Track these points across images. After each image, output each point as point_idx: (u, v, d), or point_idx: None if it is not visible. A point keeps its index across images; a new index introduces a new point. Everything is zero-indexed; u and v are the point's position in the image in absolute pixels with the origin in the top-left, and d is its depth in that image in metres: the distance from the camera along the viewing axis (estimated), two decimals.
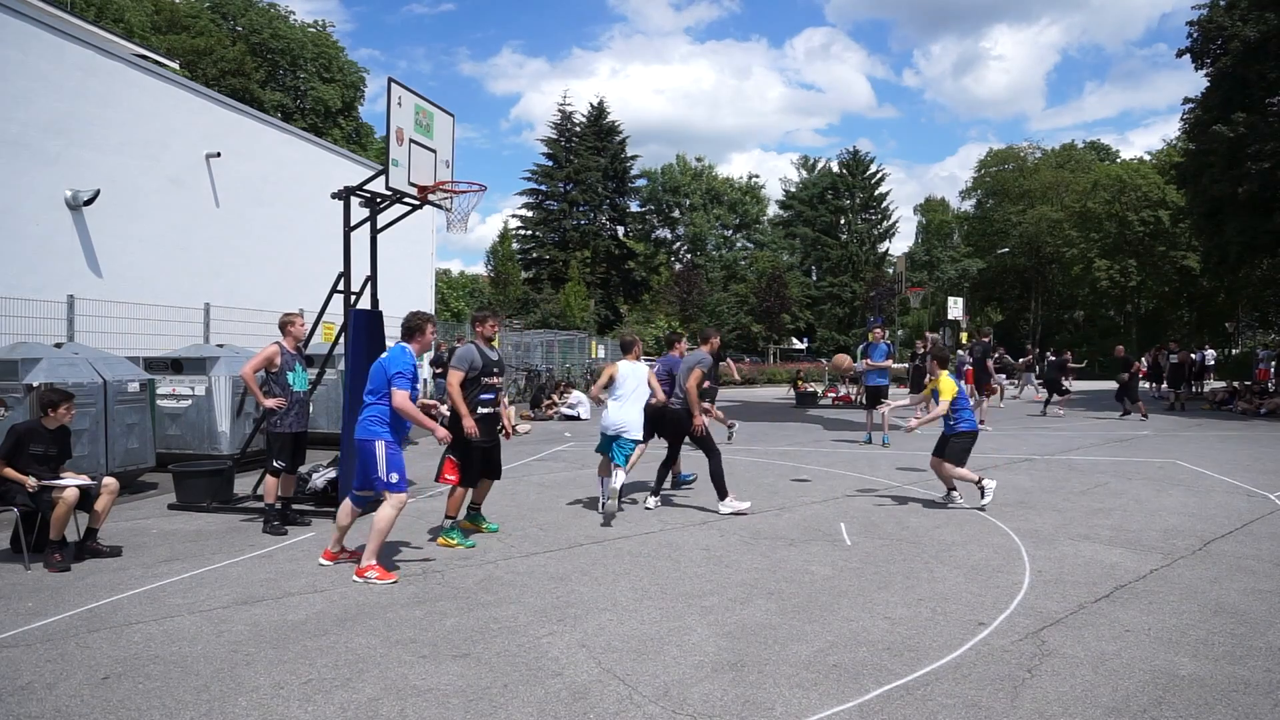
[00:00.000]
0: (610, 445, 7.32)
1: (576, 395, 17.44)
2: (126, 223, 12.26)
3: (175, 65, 19.91)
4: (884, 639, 4.27)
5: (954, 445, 7.66)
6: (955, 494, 7.88)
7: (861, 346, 15.86)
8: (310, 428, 7.33)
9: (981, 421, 14.69)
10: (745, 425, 15.68)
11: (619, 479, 7.04)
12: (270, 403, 6.77)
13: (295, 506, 7.17)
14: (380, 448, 5.31)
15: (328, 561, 5.61)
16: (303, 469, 7.41)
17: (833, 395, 22.15)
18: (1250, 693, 3.63)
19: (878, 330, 13.53)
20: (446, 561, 5.78)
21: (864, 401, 14.22)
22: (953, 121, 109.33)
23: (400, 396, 5.23)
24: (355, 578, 5.21)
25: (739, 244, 59.13)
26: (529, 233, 51.94)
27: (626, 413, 7.30)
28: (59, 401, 5.95)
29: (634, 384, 7.38)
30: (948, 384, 7.61)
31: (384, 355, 5.55)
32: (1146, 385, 21.57)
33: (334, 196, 7.77)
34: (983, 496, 7.55)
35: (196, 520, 7.17)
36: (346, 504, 5.66)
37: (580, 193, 50.84)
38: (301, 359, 7.11)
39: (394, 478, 5.31)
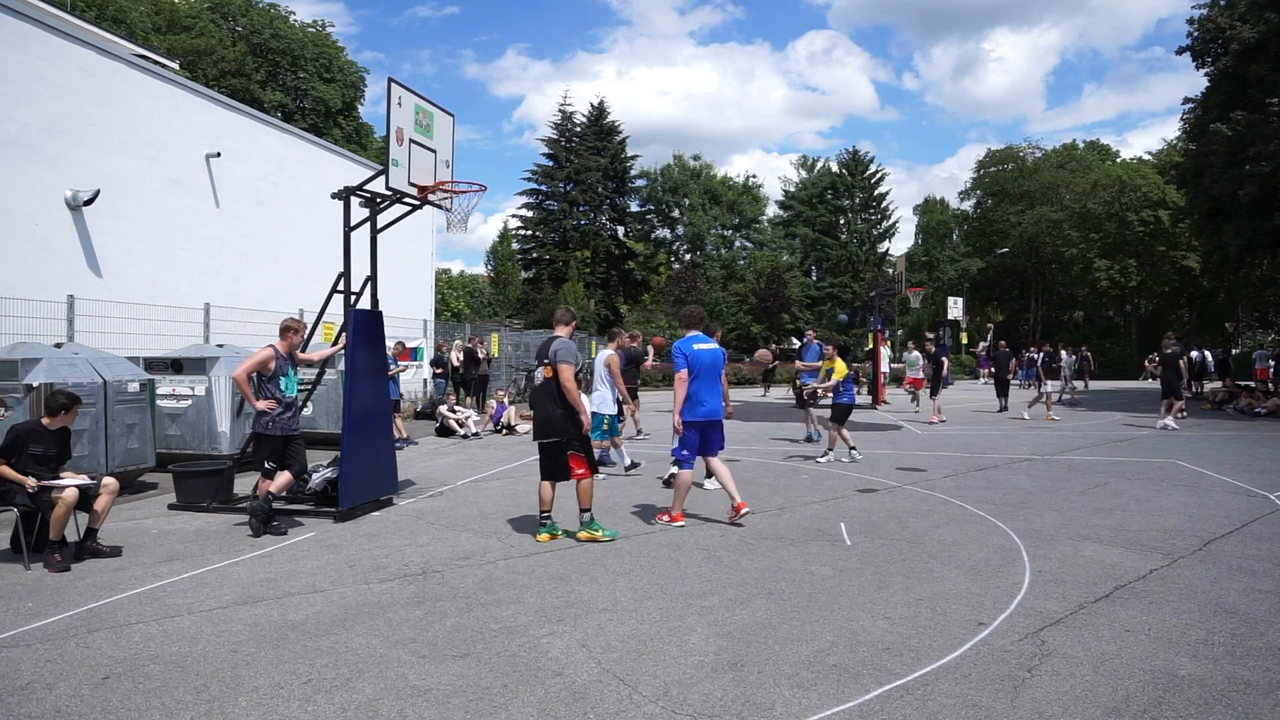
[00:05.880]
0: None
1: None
2: (126, 223, 12.26)
3: (175, 65, 19.90)
4: (884, 639, 4.26)
5: (838, 411, 10.74)
6: (833, 454, 10.64)
7: (798, 345, 16.41)
8: (310, 428, 7.34)
9: (1173, 420, 15.62)
10: (745, 425, 15.69)
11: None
12: (261, 405, 6.78)
13: (295, 506, 7.18)
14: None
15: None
16: None
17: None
18: (1250, 693, 3.63)
19: (810, 332, 14.31)
20: (446, 561, 5.78)
21: (799, 401, 14.44)
22: (953, 123, 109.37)
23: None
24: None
25: (738, 243, 59.07)
26: (529, 233, 51.86)
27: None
28: (70, 405, 5.96)
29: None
30: (840, 366, 10.70)
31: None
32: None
33: (334, 196, 7.78)
34: (830, 454, 10.61)
35: (196, 520, 7.17)
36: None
37: (580, 193, 50.78)
38: (294, 364, 7.12)
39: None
